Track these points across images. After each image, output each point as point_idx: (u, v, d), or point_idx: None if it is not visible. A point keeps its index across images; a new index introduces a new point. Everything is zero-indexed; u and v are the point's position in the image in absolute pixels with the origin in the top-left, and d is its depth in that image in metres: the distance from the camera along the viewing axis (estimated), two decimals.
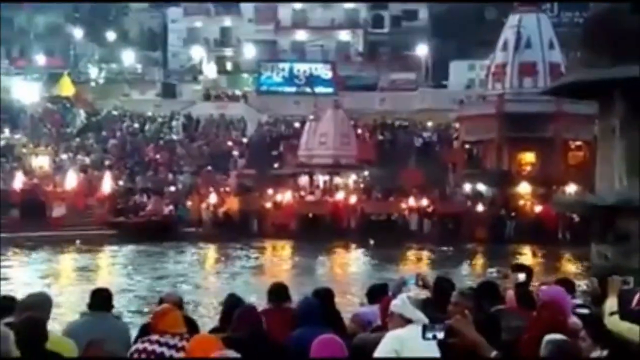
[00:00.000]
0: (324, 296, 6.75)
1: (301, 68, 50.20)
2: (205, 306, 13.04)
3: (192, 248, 26.29)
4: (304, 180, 34.21)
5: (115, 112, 44.46)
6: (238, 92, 49.31)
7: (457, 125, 37.83)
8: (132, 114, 43.88)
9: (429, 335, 3.94)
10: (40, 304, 5.27)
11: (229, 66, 57.73)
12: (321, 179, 34.29)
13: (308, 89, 47.61)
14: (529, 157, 33.23)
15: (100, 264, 23.36)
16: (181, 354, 4.68)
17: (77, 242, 25.91)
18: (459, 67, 50.17)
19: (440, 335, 3.93)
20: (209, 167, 36.19)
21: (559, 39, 33.97)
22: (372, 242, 27.00)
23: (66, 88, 44.85)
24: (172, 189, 32.84)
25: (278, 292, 6.94)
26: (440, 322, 4.02)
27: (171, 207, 30.50)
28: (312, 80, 48.51)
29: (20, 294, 6.47)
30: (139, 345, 4.76)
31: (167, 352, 4.71)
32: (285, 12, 57.61)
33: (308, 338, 4.47)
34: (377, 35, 57.71)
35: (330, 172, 34.12)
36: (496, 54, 34.45)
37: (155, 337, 4.77)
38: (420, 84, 49.59)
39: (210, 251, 26.55)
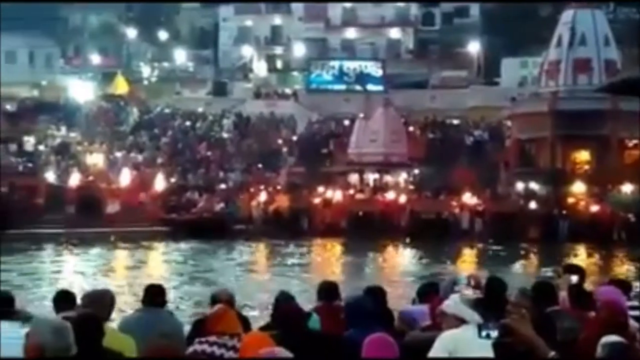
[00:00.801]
0: (377, 294, 6.73)
1: (351, 66, 50.12)
2: (255, 303, 13.12)
3: (242, 245, 26.48)
4: (354, 178, 34.16)
5: (167, 111, 45.05)
6: (288, 90, 49.49)
7: (509, 123, 37.35)
8: (184, 112, 44.39)
9: (484, 334, 3.90)
10: (102, 301, 5.37)
11: (279, 64, 57.97)
12: (371, 177, 34.20)
13: (358, 87, 47.52)
14: (583, 156, 32.65)
15: (153, 260, 23.71)
16: (230, 353, 4.72)
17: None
18: (511, 64, 49.48)
19: (495, 334, 3.88)
20: (259, 165, 36.40)
21: (615, 35, 33.26)
22: (407, 239, 26.89)
23: (120, 87, 45.63)
24: (223, 186, 33.14)
25: (328, 290, 6.95)
26: (495, 321, 3.97)
27: (222, 204, 30.76)
28: (363, 78, 48.40)
29: (75, 288, 6.62)
30: (197, 347, 4.80)
31: (226, 354, 4.76)
32: (335, 10, 57.56)
33: (360, 337, 4.46)
34: (428, 33, 57.26)
35: (380, 170, 34.02)
36: (550, 50, 33.90)
37: (212, 338, 4.80)
38: (471, 82, 49.07)
39: (260, 248, 26.71)
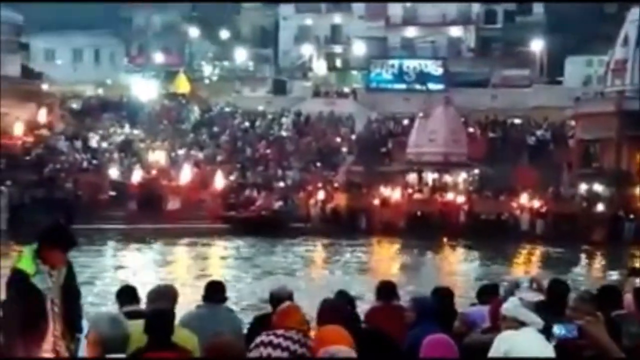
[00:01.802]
0: (443, 295, 6.67)
1: (411, 65, 49.81)
2: (313, 301, 13.10)
3: (300, 243, 26.58)
4: (412, 177, 33.94)
5: (227, 109, 45.51)
6: (347, 89, 49.47)
7: (573, 123, 36.62)
8: (244, 111, 44.78)
9: (560, 333, 3.83)
10: (167, 296, 5.46)
11: (338, 63, 58.01)
12: (430, 176, 33.93)
13: (418, 86, 47.20)
14: None
15: (212, 256, 24.00)
16: (304, 350, 4.77)
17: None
18: (576, 63, 48.48)
19: (571, 335, 3.81)
20: (318, 164, 36.48)
21: None
22: (466, 240, 26.55)
23: (182, 85, 46.29)
24: (282, 184, 33.32)
25: (387, 290, 6.92)
26: (569, 323, 3.89)
27: (280, 202, 30.92)
28: (423, 77, 48.06)
29: (137, 283, 6.72)
30: (264, 338, 4.83)
31: (292, 347, 4.80)
32: (395, 9, 57.29)
33: (423, 337, 4.44)
34: (490, 31, 56.52)
35: (439, 169, 33.72)
36: (616, 49, 33.11)
37: (280, 331, 4.85)
38: (534, 81, 48.24)
39: (318, 247, 26.76)
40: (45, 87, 39.69)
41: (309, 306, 5.77)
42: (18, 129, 34.12)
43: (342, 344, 3.99)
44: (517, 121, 41.45)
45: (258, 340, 4.90)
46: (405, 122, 40.49)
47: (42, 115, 36.15)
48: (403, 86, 48.48)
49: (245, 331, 6.32)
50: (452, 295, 6.85)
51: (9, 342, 4.51)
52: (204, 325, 5.50)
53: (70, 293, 4.98)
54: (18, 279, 4.75)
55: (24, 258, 4.80)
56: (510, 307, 4.86)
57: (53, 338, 4.75)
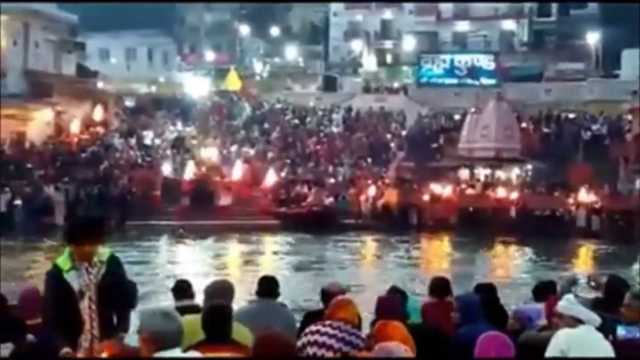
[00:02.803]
0: (487, 292, 6.61)
1: (462, 59, 49.27)
2: (365, 297, 13.11)
3: (351, 239, 26.58)
4: (464, 173, 33.60)
5: (278, 105, 45.74)
6: (397, 85, 49.23)
7: (630, 117, 35.76)
8: (294, 107, 44.94)
9: (623, 334, 3.77)
10: (224, 291, 5.52)
11: (388, 59, 57.79)
12: (482, 172, 33.55)
13: (470, 81, 46.70)
14: None
15: (264, 252, 24.17)
16: (358, 342, 4.79)
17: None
18: (633, 56, 47.18)
19: (635, 335, 3.74)
20: (368, 160, 36.41)
21: None
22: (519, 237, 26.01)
23: (233, 82, 46.67)
24: (332, 180, 33.34)
25: (440, 286, 6.89)
26: (634, 324, 3.82)
27: (331, 198, 30.95)
28: (475, 71, 47.53)
29: (191, 278, 6.81)
30: (320, 327, 4.85)
31: (348, 337, 4.81)
32: (446, 3, 56.80)
33: (473, 335, 4.39)
34: (543, 24, 55.60)
35: (491, 165, 33.30)
36: None
37: (335, 323, 4.87)
38: (589, 74, 47.24)
39: (369, 243, 26.73)
40: (100, 85, 40.46)
41: (361, 302, 5.77)
42: (74, 127, 34.87)
43: (401, 341, 3.97)
44: (571, 115, 40.67)
45: (314, 328, 4.92)
46: (457, 117, 40.12)
47: (98, 113, 36.85)
48: (454, 81, 47.99)
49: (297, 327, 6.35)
50: (495, 291, 6.78)
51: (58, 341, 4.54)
52: (257, 320, 5.53)
53: (110, 291, 4.80)
54: (52, 274, 4.78)
55: (63, 254, 4.82)
56: (566, 304, 4.79)
57: (90, 336, 4.68)
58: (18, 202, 27.10)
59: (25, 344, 4.34)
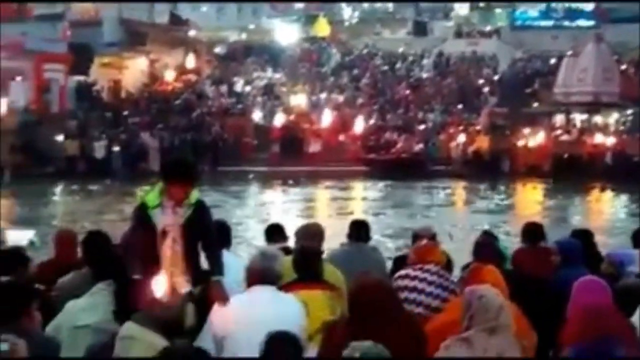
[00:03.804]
0: (584, 237, 6.47)
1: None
2: (454, 243, 13.02)
3: (441, 186, 26.37)
4: (559, 119, 32.63)
5: (366, 51, 45.30)
6: (490, 28, 47.85)
7: None
8: (384, 53, 44.40)
9: None
10: (314, 234, 5.59)
11: (481, 2, 56.09)
12: (578, 117, 32.49)
13: (567, 23, 44.93)
14: None
15: (353, 197, 24.28)
16: (453, 285, 4.81)
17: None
18: None
19: None
20: (459, 106, 35.77)
21: None
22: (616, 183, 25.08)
23: (322, 29, 46.44)
24: (422, 127, 32.97)
25: (533, 232, 6.78)
26: None
27: (421, 145, 30.67)
28: (572, 13, 45.69)
29: (282, 222, 6.91)
30: (410, 271, 4.87)
31: (439, 281, 4.82)
32: None
33: (573, 278, 4.31)
34: None
35: (589, 110, 32.19)
36: None
37: (427, 266, 4.87)
38: None
39: (459, 189, 26.46)
40: (191, 33, 41.03)
41: (450, 248, 5.74)
42: (168, 75, 35.63)
43: (494, 285, 3.93)
44: None
45: (403, 272, 4.93)
46: (553, 61, 38.76)
47: (190, 61, 37.48)
48: (550, 23, 46.25)
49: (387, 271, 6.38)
50: (592, 236, 6.63)
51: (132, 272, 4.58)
52: (349, 263, 5.59)
53: (194, 233, 4.71)
54: (138, 209, 4.81)
55: (152, 191, 4.80)
56: None
57: (171, 276, 4.51)
58: (115, 148, 28.04)
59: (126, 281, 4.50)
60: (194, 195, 4.76)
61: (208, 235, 4.79)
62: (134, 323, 3.69)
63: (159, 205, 4.68)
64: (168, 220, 4.66)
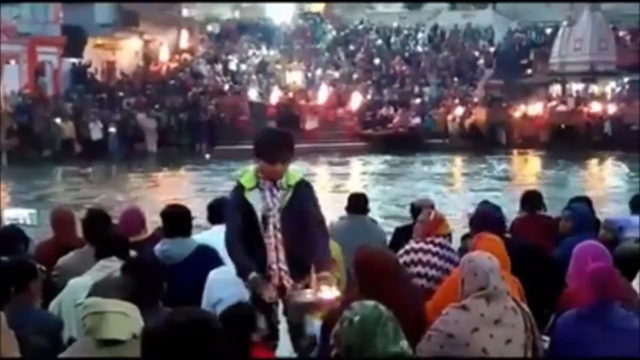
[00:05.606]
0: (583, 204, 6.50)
1: None
2: (453, 215, 13.05)
3: (438, 159, 26.38)
4: (556, 89, 32.58)
5: (361, 26, 45.05)
6: None
7: None
8: (378, 27, 44.17)
9: None
10: None
11: None
12: (574, 87, 32.43)
13: None
14: None
15: (351, 173, 24.29)
16: (451, 254, 4.86)
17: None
18: None
19: None
20: (455, 79, 35.66)
21: None
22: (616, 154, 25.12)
23: (315, 4, 46.05)
24: (418, 101, 32.89)
25: (531, 201, 6.80)
26: None
27: (417, 119, 30.64)
28: None
29: None
30: (423, 245, 4.88)
31: (447, 254, 4.87)
32: None
33: (574, 245, 4.32)
34: None
35: (585, 79, 32.12)
36: None
37: (437, 239, 4.91)
38: None
39: (458, 162, 26.48)
40: (185, 13, 40.75)
41: (450, 218, 5.75)
42: (163, 55, 35.43)
43: (496, 254, 3.92)
44: None
45: (409, 246, 4.93)
46: (549, 31, 38.64)
47: (184, 41, 37.25)
48: None
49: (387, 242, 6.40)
50: (591, 203, 6.66)
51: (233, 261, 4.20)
52: (348, 235, 5.60)
53: (296, 219, 4.15)
54: (233, 192, 4.30)
55: (248, 172, 4.31)
56: None
57: (278, 271, 4.10)
58: (112, 130, 27.96)
59: (132, 257, 4.51)
60: (294, 175, 4.28)
61: (309, 220, 4.20)
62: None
63: (257, 186, 4.20)
64: (267, 204, 4.16)
